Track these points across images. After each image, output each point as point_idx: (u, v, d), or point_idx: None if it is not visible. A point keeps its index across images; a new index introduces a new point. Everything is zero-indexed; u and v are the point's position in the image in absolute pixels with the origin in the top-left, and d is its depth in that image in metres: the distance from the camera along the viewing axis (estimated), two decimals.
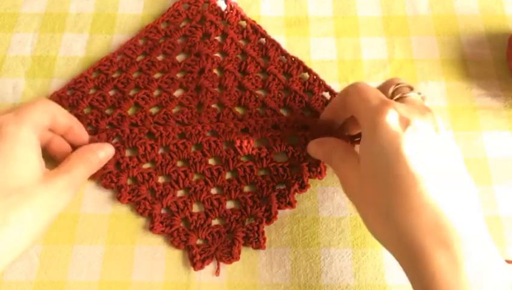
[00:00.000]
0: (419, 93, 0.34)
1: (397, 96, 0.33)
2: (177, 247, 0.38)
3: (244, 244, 0.38)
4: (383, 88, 0.35)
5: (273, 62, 0.46)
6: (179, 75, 0.45)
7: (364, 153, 0.32)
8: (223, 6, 0.48)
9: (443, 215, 0.27)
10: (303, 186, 0.40)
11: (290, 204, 0.39)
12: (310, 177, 0.40)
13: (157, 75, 0.45)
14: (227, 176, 0.41)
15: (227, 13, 0.48)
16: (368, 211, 0.31)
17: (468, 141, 0.43)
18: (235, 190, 0.40)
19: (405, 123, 0.30)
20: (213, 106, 0.44)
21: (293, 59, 0.46)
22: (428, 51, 0.47)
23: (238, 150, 0.41)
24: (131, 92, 0.44)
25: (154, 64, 0.45)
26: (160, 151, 0.42)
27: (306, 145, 0.40)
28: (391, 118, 0.30)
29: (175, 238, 0.38)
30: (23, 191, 0.32)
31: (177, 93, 0.45)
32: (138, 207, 0.39)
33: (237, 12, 0.48)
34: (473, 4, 0.50)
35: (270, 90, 0.44)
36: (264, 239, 0.38)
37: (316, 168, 0.40)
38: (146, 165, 0.41)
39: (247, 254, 0.38)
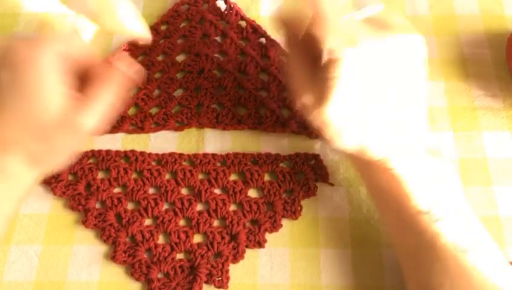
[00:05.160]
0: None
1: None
2: (137, 279, 0.37)
3: (206, 282, 0.37)
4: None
5: (273, 62, 0.46)
6: (178, 75, 0.45)
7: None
8: (222, 6, 0.48)
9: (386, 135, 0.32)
10: (275, 226, 0.39)
11: (259, 244, 0.38)
12: (283, 216, 0.39)
13: (157, 75, 0.45)
14: (198, 207, 0.40)
15: (227, 13, 0.48)
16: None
17: (468, 141, 0.43)
18: (204, 223, 0.39)
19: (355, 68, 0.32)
20: (213, 106, 0.44)
21: None
22: (428, 51, 0.47)
23: (213, 181, 0.40)
24: (131, 92, 0.44)
25: (154, 64, 0.45)
26: (134, 176, 0.41)
27: (283, 182, 0.40)
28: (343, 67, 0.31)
29: (136, 270, 0.37)
30: (41, 131, 0.31)
31: (177, 93, 0.45)
32: (102, 233, 0.38)
33: (237, 12, 0.48)
34: (473, 4, 0.50)
35: (270, 90, 0.44)
36: (228, 278, 0.37)
37: (290, 208, 0.39)
38: (117, 190, 0.40)
39: (247, 254, 0.38)
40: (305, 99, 0.34)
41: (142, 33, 0.38)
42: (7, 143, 0.31)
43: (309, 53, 0.35)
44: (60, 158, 0.34)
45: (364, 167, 0.35)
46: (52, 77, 0.31)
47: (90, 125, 0.32)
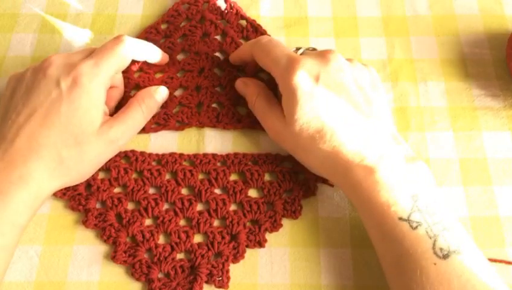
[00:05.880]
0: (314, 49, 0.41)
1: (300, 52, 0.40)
2: (138, 279, 0.37)
3: (207, 282, 0.37)
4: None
5: None
6: (179, 75, 0.45)
7: (287, 109, 0.37)
8: (222, 5, 0.48)
9: (359, 147, 0.35)
10: (275, 226, 0.39)
11: (260, 244, 0.38)
12: (283, 216, 0.39)
13: (157, 75, 0.45)
14: (199, 207, 0.40)
15: (227, 12, 0.48)
16: (301, 154, 0.38)
17: (468, 141, 0.43)
18: (205, 223, 0.39)
19: (315, 78, 0.36)
20: (213, 105, 0.44)
21: None
22: (428, 51, 0.47)
23: (213, 181, 0.40)
24: (132, 92, 0.44)
25: (154, 64, 0.45)
26: (134, 176, 0.41)
27: (284, 182, 0.40)
28: (301, 77, 0.36)
29: (136, 270, 0.37)
30: (78, 137, 0.35)
31: (177, 92, 0.45)
32: (103, 233, 0.38)
33: (237, 12, 0.48)
34: (473, 4, 0.50)
35: (271, 89, 0.44)
36: (228, 278, 0.37)
37: (291, 207, 0.39)
38: (117, 190, 0.40)
39: (247, 254, 0.38)
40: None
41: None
42: (36, 147, 0.34)
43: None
44: (85, 169, 0.38)
45: (347, 179, 0.35)
46: (103, 95, 0.37)
47: (119, 140, 0.38)
